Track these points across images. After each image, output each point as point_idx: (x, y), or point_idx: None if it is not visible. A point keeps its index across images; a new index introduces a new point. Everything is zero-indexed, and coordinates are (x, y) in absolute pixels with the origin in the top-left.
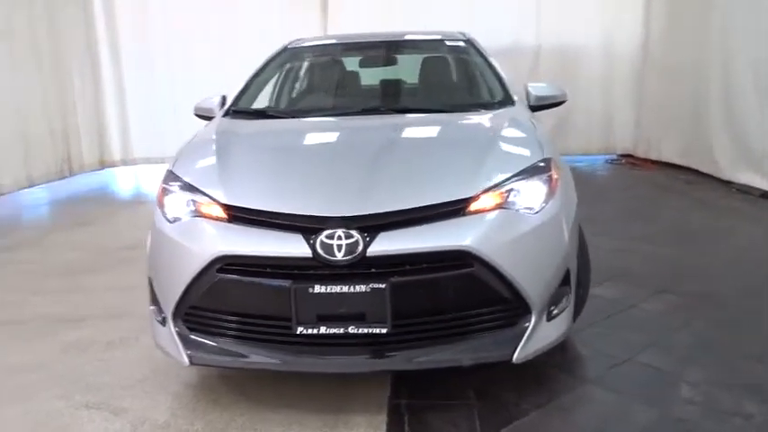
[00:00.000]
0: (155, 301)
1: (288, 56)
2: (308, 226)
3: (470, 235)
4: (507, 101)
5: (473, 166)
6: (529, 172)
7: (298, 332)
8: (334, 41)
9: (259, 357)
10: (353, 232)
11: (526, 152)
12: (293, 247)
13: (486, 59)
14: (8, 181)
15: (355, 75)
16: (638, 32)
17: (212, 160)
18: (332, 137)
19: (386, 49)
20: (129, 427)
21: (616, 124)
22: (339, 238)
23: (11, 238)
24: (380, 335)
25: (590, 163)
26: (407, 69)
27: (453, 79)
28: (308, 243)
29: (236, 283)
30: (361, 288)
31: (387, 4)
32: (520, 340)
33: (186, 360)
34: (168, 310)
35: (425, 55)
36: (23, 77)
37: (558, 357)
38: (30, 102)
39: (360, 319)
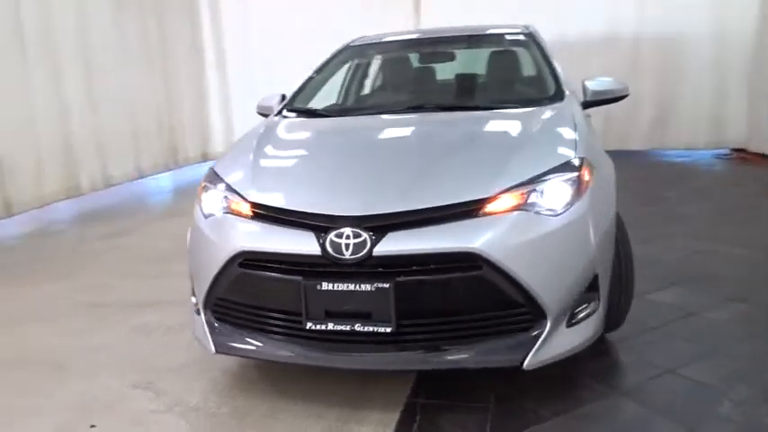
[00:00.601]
0: (192, 292)
1: (349, 54)
2: (319, 224)
3: (480, 237)
4: (557, 96)
5: (494, 166)
6: (555, 172)
7: (307, 327)
8: (395, 38)
9: (274, 349)
10: (361, 231)
11: (556, 151)
12: (305, 244)
13: (543, 53)
14: (118, 173)
15: (409, 72)
16: (752, 15)
17: (249, 159)
18: (365, 136)
19: (444, 46)
20: (164, 407)
21: (726, 117)
22: (347, 237)
23: (113, 226)
24: (385, 334)
25: (696, 158)
26: (465, 65)
27: (507, 74)
28: (318, 241)
29: (255, 278)
30: (366, 287)
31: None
32: (532, 346)
33: (212, 347)
34: (200, 301)
35: (483, 50)
36: (134, 76)
37: (596, 364)
38: (140, 98)
39: (366, 318)
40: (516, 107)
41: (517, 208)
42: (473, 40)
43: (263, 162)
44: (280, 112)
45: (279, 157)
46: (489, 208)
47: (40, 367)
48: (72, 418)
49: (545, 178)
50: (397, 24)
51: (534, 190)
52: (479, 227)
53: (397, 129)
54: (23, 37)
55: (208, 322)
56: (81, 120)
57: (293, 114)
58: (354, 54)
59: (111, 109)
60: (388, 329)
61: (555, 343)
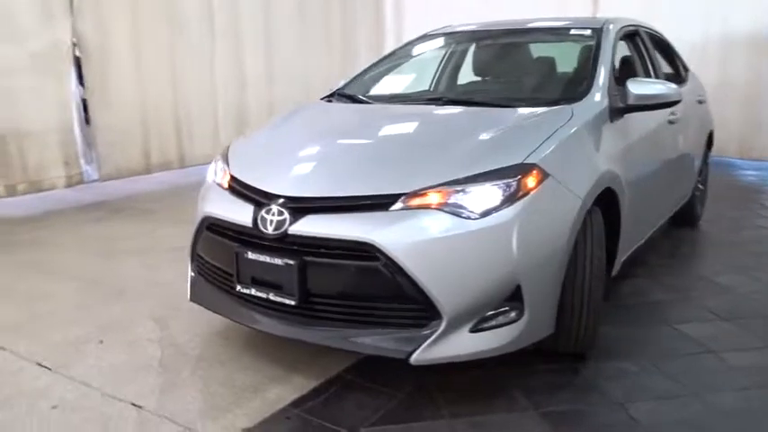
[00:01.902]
0: None
1: (420, 43)
2: (259, 200)
3: (381, 230)
4: (578, 97)
5: (429, 162)
6: (491, 175)
7: (237, 289)
8: (464, 30)
9: (220, 305)
10: (284, 210)
11: (505, 154)
12: (244, 216)
13: (597, 52)
14: None
15: (460, 63)
16: None
17: (254, 135)
18: (349, 123)
19: (503, 39)
20: (156, 338)
21: None
22: (273, 213)
23: None
24: (291, 306)
25: None
26: (517, 59)
27: (547, 71)
28: (253, 214)
29: (213, 240)
30: (279, 261)
31: None
32: (423, 342)
33: (189, 295)
34: (189, 255)
35: (540, 45)
36: (313, 56)
37: (536, 381)
38: (315, 76)
39: (278, 289)
40: (526, 106)
41: (434, 207)
42: (536, 33)
43: (260, 139)
44: (325, 97)
45: (273, 136)
46: (405, 203)
47: (106, 289)
48: (92, 332)
49: (477, 180)
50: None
51: (462, 191)
52: (385, 220)
53: (383, 119)
54: (213, 15)
55: (190, 274)
56: (256, 91)
57: (338, 99)
58: (424, 44)
59: (285, 84)
60: (293, 302)
61: (451, 344)
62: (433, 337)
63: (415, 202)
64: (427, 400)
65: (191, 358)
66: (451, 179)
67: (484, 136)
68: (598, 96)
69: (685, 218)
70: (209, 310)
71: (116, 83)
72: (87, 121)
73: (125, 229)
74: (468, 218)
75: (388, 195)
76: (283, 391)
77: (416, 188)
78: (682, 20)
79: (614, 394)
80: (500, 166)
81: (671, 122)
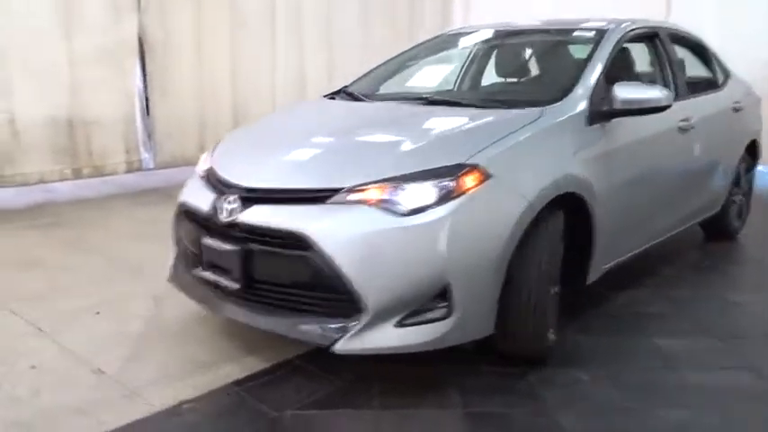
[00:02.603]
0: None
1: (438, 42)
2: (221, 188)
3: (314, 222)
4: (555, 100)
5: (373, 159)
6: (430, 173)
7: (198, 272)
8: (473, 31)
9: (189, 285)
10: (237, 199)
11: (448, 153)
12: (206, 203)
13: (592, 54)
14: None
15: (458, 65)
16: None
17: (242, 129)
18: (330, 118)
19: (507, 40)
20: (148, 313)
21: None
22: (228, 202)
23: None
24: (236, 290)
25: None
26: (522, 60)
27: (538, 73)
28: (212, 202)
29: (184, 225)
30: (227, 247)
31: None
32: (346, 333)
33: (168, 277)
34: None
35: (543, 46)
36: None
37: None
38: None
39: (227, 273)
40: (500, 106)
41: (372, 202)
42: (539, 35)
43: (244, 132)
44: (335, 93)
45: (255, 129)
46: (343, 197)
47: (126, 267)
48: (94, 305)
49: (415, 178)
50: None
51: (398, 187)
52: (320, 213)
53: (356, 116)
54: (275, 16)
55: (172, 257)
56: (316, 88)
57: (340, 96)
58: (442, 43)
59: (346, 82)
60: (237, 286)
61: (375, 336)
62: (357, 328)
63: (354, 196)
64: (364, 390)
65: (168, 334)
66: (391, 176)
67: (436, 135)
68: (577, 99)
69: (719, 231)
70: (181, 291)
71: (176, 76)
72: (148, 111)
73: (167, 214)
74: (400, 214)
75: (327, 189)
76: (234, 369)
77: (356, 183)
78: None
79: (550, 401)
80: (440, 165)
81: (683, 129)
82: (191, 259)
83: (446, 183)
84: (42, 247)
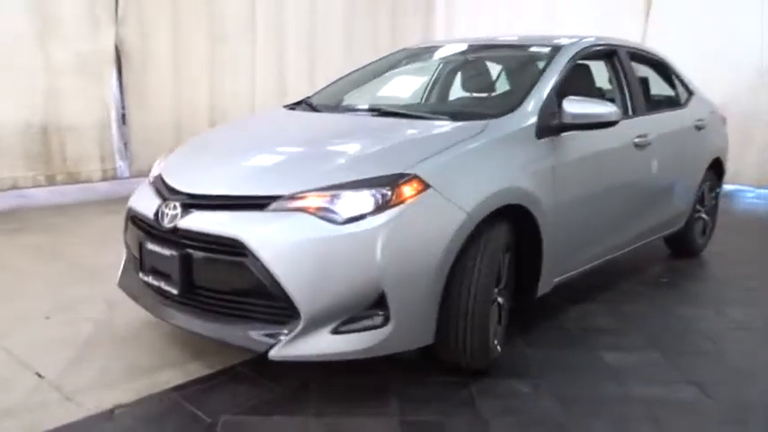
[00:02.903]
0: None
1: (400, 56)
2: (165, 194)
3: (251, 228)
4: (502, 113)
5: (314, 167)
6: (369, 182)
7: (140, 277)
8: (434, 45)
9: (135, 290)
10: (178, 205)
11: (389, 163)
12: (150, 209)
13: (543, 70)
14: None
15: (414, 79)
16: None
17: (197, 137)
18: (281, 128)
19: (465, 55)
20: (97, 314)
21: None
22: (171, 207)
23: None
24: (174, 294)
25: None
26: (477, 75)
27: (490, 87)
28: (156, 208)
29: (131, 230)
30: (167, 253)
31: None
32: (282, 339)
33: (117, 281)
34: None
35: (499, 61)
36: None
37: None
38: None
39: (167, 278)
40: (447, 119)
41: (310, 210)
42: (497, 50)
43: (198, 142)
44: (296, 105)
45: (210, 139)
46: (282, 204)
47: (84, 272)
48: (46, 309)
49: (354, 186)
50: (626, 31)
51: (336, 196)
52: (257, 219)
53: (307, 126)
54: (255, 27)
55: (123, 262)
56: (295, 95)
57: (299, 107)
58: (403, 58)
59: None
60: (176, 291)
61: (310, 343)
62: (292, 335)
63: (293, 204)
64: (303, 397)
65: (114, 339)
66: (329, 184)
67: (380, 145)
68: (527, 113)
69: (682, 248)
70: (128, 296)
71: (154, 85)
72: (124, 120)
73: None
74: (336, 222)
75: (266, 196)
76: (175, 375)
77: (295, 191)
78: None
79: (487, 411)
80: (379, 175)
81: (639, 146)
82: (136, 264)
83: (383, 192)
84: (4, 251)
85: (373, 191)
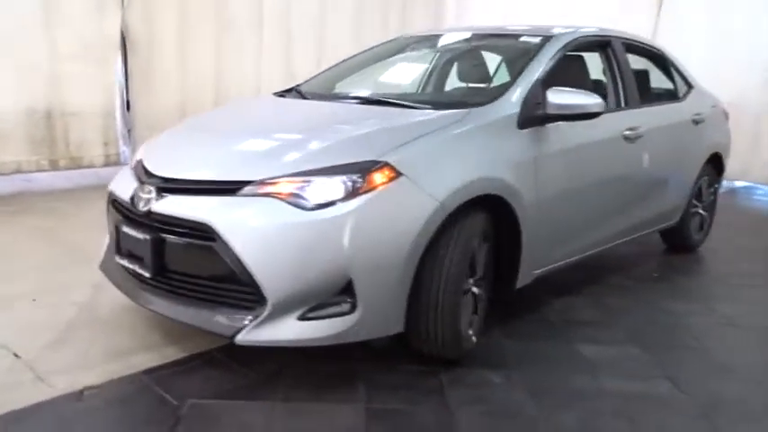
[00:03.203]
0: None
1: (394, 45)
2: (142, 178)
3: (220, 213)
4: (484, 102)
5: (287, 152)
6: (341, 168)
7: (116, 260)
8: (426, 34)
9: (114, 273)
10: (153, 189)
11: (362, 150)
12: (128, 192)
13: (529, 61)
14: None
15: (406, 67)
16: None
17: (182, 123)
18: (265, 115)
19: (456, 44)
20: (82, 298)
21: None
22: (146, 191)
23: None
24: (147, 278)
25: None
26: (468, 64)
27: (478, 76)
28: (133, 191)
29: (111, 213)
30: (141, 236)
31: None
32: (249, 324)
33: (99, 264)
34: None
35: (491, 50)
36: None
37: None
38: None
39: (141, 262)
40: (430, 107)
41: (281, 195)
42: (489, 40)
43: (182, 127)
44: (286, 92)
45: (193, 124)
46: (254, 189)
47: (79, 256)
48: (34, 291)
49: (325, 173)
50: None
51: (308, 182)
52: (228, 204)
53: (289, 113)
54: (263, 15)
55: (105, 245)
56: None
57: (288, 94)
58: (398, 45)
59: None
60: (148, 274)
61: (277, 328)
62: (258, 319)
63: (265, 189)
64: (274, 383)
65: (96, 322)
66: (301, 170)
67: (357, 132)
68: (509, 102)
69: (678, 243)
70: (108, 279)
71: (159, 72)
72: (128, 106)
73: None
74: (306, 208)
75: (238, 181)
76: (149, 358)
77: (267, 176)
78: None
79: (455, 401)
80: (351, 161)
81: (629, 138)
82: (114, 247)
83: (354, 179)
84: (2, 233)
85: (344, 177)
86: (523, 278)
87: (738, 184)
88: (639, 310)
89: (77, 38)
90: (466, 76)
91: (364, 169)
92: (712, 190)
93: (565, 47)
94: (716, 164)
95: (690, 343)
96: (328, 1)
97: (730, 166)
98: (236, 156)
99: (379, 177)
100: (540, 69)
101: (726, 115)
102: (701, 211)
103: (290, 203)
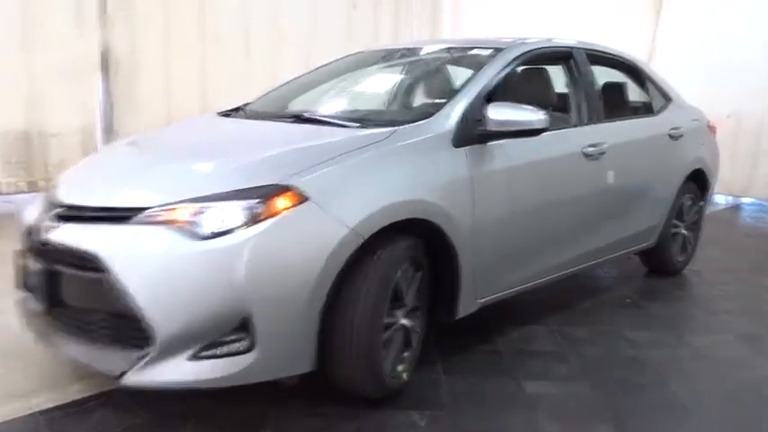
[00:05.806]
0: None
1: (353, 60)
2: (48, 206)
3: (110, 243)
4: (416, 119)
5: (191, 177)
6: (237, 194)
7: (19, 292)
8: (374, 51)
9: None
10: (53, 217)
11: (264, 173)
12: (30, 220)
13: (474, 75)
14: None
15: (351, 84)
16: None
17: (111, 145)
18: (191, 135)
19: (403, 59)
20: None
21: None
22: (49, 219)
23: None
24: (40, 311)
25: None
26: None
27: (426, 93)
28: (33, 219)
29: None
30: (36, 267)
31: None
32: (136, 364)
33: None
34: None
35: (442, 66)
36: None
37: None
38: None
39: (35, 294)
40: (359, 125)
41: (177, 223)
42: (440, 54)
43: (105, 150)
44: (232, 111)
45: (117, 147)
46: (148, 217)
47: None
48: None
49: (223, 198)
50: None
51: (205, 208)
52: (120, 233)
53: (218, 134)
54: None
55: None
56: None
57: (233, 113)
58: (351, 62)
59: None
60: (41, 308)
61: (167, 369)
62: (146, 359)
63: (161, 216)
64: (168, 425)
65: (11, 352)
66: (199, 195)
67: (267, 153)
68: (444, 119)
69: (659, 266)
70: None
71: (142, 91)
72: (111, 126)
73: None
74: (199, 237)
75: (133, 208)
76: (51, 398)
77: (161, 203)
78: None
79: None
80: (251, 186)
81: (589, 156)
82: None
83: (253, 204)
84: None
85: (243, 203)
86: (466, 307)
87: (743, 200)
88: (602, 341)
89: (56, 58)
90: (417, 91)
91: (265, 194)
92: (696, 209)
93: (515, 60)
94: (699, 181)
95: (648, 379)
96: (317, 15)
97: (733, 181)
98: (137, 180)
99: (281, 202)
100: (483, 84)
101: (711, 130)
102: (683, 231)
103: (183, 232)
